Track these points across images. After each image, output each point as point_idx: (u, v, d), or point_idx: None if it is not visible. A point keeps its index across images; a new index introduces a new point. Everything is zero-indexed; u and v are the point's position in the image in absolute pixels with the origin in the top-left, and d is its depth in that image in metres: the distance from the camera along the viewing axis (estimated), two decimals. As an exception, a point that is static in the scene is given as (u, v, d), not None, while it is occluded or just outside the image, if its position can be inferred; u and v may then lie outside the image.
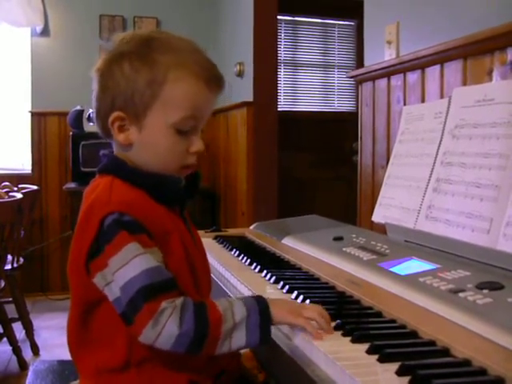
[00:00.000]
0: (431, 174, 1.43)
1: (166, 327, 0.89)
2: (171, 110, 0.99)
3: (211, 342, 0.91)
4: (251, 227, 2.04)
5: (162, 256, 0.95)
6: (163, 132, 1.00)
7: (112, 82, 1.00)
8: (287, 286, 1.21)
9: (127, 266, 0.91)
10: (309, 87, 5.42)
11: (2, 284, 2.93)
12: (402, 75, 2.16)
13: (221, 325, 0.91)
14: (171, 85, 0.98)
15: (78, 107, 3.99)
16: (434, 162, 1.44)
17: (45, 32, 4.46)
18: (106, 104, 1.01)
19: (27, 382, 1.43)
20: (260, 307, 0.94)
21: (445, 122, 1.45)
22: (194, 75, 1.00)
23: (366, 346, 0.87)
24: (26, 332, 3.23)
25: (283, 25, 5.23)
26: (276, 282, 1.27)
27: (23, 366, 2.94)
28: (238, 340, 0.92)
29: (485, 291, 0.99)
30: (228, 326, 0.91)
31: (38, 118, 4.48)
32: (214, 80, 1.03)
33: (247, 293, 1.23)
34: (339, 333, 0.94)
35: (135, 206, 0.96)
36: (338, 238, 1.55)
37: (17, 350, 2.96)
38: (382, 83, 2.32)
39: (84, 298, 0.99)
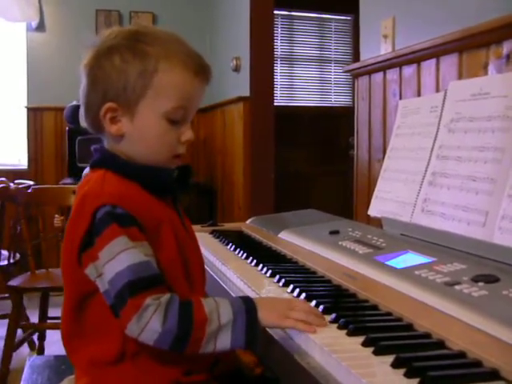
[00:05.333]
0: (427, 167, 1.44)
1: (149, 323, 0.89)
2: (162, 100, 1.00)
3: (195, 342, 0.91)
4: (248, 221, 2.04)
5: (153, 250, 0.96)
6: (155, 121, 1.01)
7: (103, 75, 1.01)
8: (283, 280, 1.21)
9: (114, 261, 0.92)
10: (305, 82, 5.42)
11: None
12: (397, 69, 2.16)
13: (205, 325, 0.91)
14: (162, 75, 0.99)
15: (75, 102, 3.97)
16: (430, 156, 1.44)
17: (40, 27, 4.44)
18: (97, 97, 1.02)
19: (23, 377, 1.43)
20: (247, 311, 0.94)
21: (440, 116, 1.45)
22: (183, 65, 1.01)
23: (361, 338, 0.87)
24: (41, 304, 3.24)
25: (280, 19, 5.23)
26: (272, 275, 1.27)
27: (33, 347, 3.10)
28: (223, 342, 0.92)
29: (480, 284, 0.99)
30: (213, 327, 0.91)
31: (34, 114, 4.48)
32: (202, 70, 1.04)
33: (243, 287, 1.23)
34: (335, 326, 0.94)
35: (128, 198, 0.96)
36: (334, 232, 1.55)
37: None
38: (378, 77, 2.32)
39: (77, 290, 1.00)
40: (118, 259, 0.91)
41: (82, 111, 1.08)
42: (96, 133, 1.06)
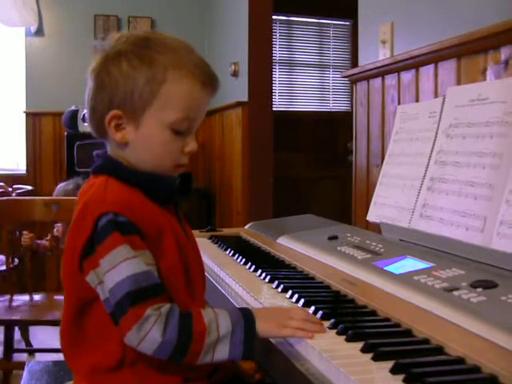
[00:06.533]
0: (425, 173, 1.44)
1: (149, 334, 0.89)
2: (168, 110, 0.99)
3: (193, 353, 0.91)
4: (246, 227, 2.04)
5: (154, 257, 0.96)
6: (159, 131, 1.00)
7: (110, 81, 0.99)
8: (282, 285, 1.21)
9: (115, 270, 0.91)
10: (304, 87, 5.43)
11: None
12: (396, 75, 2.16)
13: (204, 337, 0.91)
14: (170, 85, 0.98)
15: (73, 107, 3.98)
16: (429, 161, 1.44)
17: (39, 32, 4.45)
18: (103, 103, 1.01)
19: (22, 382, 1.43)
20: (245, 322, 0.94)
21: (439, 122, 1.45)
22: (191, 76, 1.00)
23: (360, 344, 0.87)
24: (21, 333, 3.22)
25: (278, 24, 5.23)
26: (271, 281, 1.27)
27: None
28: (221, 353, 0.92)
29: (479, 289, 0.99)
30: (212, 338, 0.91)
31: (33, 118, 4.48)
32: (209, 81, 1.03)
33: (242, 292, 1.23)
34: (334, 331, 0.94)
35: (130, 206, 0.96)
36: (333, 237, 1.55)
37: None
38: (376, 83, 2.32)
39: (78, 297, 0.99)
40: (119, 269, 0.91)
41: (86, 115, 1.07)
42: (100, 137, 1.06)
